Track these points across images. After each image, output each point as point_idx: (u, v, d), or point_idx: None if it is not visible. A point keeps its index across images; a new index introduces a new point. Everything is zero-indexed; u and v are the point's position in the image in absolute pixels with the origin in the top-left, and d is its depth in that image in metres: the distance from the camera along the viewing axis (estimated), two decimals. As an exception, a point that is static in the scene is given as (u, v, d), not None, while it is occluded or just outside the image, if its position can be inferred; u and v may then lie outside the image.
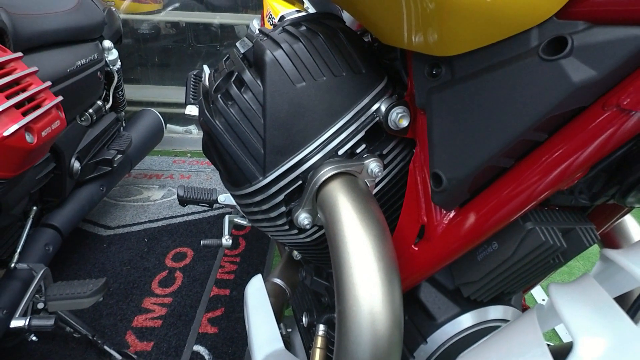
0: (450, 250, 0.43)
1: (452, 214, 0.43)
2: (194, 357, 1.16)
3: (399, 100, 0.46)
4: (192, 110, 1.09)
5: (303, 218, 0.47)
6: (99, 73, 1.39)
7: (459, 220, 0.42)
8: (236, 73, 0.48)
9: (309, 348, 0.68)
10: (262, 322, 0.61)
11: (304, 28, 0.49)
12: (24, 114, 0.77)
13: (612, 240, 0.65)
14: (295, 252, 0.80)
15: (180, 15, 2.45)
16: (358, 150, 0.48)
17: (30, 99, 0.81)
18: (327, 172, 0.44)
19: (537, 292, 1.43)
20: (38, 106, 0.83)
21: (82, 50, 1.30)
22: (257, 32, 0.54)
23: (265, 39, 0.48)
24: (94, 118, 1.38)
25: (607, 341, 0.23)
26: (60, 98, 0.90)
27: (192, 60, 2.58)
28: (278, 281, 0.81)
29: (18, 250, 1.06)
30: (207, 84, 0.53)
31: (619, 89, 0.30)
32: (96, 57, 1.37)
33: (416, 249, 0.46)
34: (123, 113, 1.69)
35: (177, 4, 2.43)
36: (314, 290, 0.72)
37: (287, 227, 0.50)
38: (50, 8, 1.20)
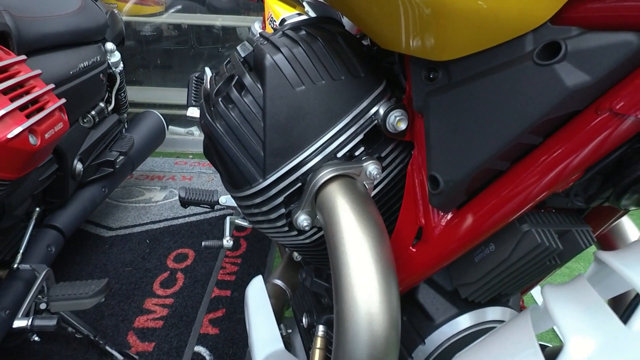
0: (448, 252, 0.43)
1: (449, 216, 0.43)
2: (195, 358, 1.17)
3: (397, 104, 0.47)
4: (194, 112, 1.10)
5: (302, 220, 0.48)
6: (101, 75, 1.40)
7: (456, 222, 0.42)
8: (237, 77, 0.48)
9: (308, 349, 0.68)
10: (262, 323, 0.62)
11: (303, 32, 0.50)
12: (28, 116, 0.78)
13: (609, 242, 0.65)
14: (295, 254, 0.80)
15: (183, 17, 2.47)
16: (357, 153, 0.48)
17: (33, 101, 0.82)
18: (326, 174, 0.45)
19: (537, 293, 1.43)
20: (41, 108, 0.83)
21: (85, 53, 1.31)
22: (258, 35, 0.54)
23: (265, 43, 0.49)
24: (97, 120, 1.39)
25: (596, 341, 0.23)
26: (63, 100, 0.90)
27: (194, 62, 2.59)
28: (278, 282, 0.81)
29: (21, 251, 1.07)
30: (208, 87, 0.54)
31: (611, 94, 0.31)
32: (99, 59, 1.38)
33: (414, 250, 0.46)
34: (125, 115, 1.70)
35: (179, 6, 2.44)
36: (314, 292, 0.73)
37: (286, 228, 0.51)
38: (53, 11, 1.21)
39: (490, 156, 0.36)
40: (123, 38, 1.69)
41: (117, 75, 1.55)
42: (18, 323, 0.92)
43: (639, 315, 0.23)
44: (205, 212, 1.79)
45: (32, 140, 0.77)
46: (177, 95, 2.44)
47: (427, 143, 0.42)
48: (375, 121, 0.48)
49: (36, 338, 1.01)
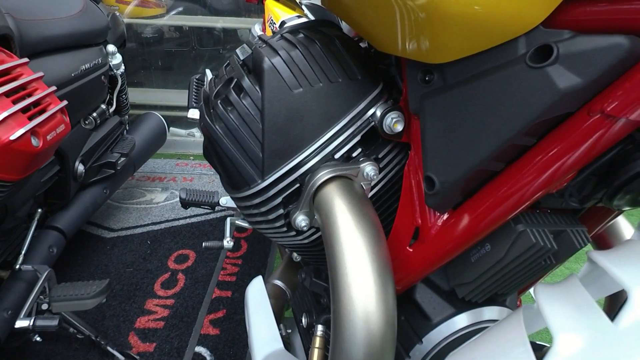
0: (444, 252, 0.44)
1: (445, 216, 0.44)
2: (195, 358, 1.17)
3: (393, 106, 0.47)
4: (195, 113, 1.10)
5: (300, 220, 0.48)
6: (103, 77, 1.41)
7: (452, 223, 0.43)
8: (235, 79, 0.49)
9: (308, 348, 0.69)
10: (262, 323, 0.62)
11: (301, 35, 0.50)
12: (30, 119, 0.78)
13: (605, 241, 0.65)
14: (295, 254, 0.81)
15: (184, 19, 2.48)
16: (354, 154, 0.49)
17: (35, 103, 0.83)
18: (323, 175, 0.46)
19: (538, 295, 1.43)
20: (43, 110, 0.84)
21: (87, 55, 1.32)
22: (257, 38, 0.55)
23: (264, 46, 0.50)
24: (98, 121, 1.40)
25: (584, 338, 0.24)
26: (65, 102, 0.91)
27: (195, 64, 2.60)
28: (278, 283, 0.82)
29: (23, 252, 1.07)
30: (208, 89, 0.54)
31: (603, 96, 0.31)
32: (100, 61, 1.39)
33: (411, 250, 0.47)
34: (127, 116, 1.71)
35: (180, 8, 2.45)
36: (313, 292, 0.73)
37: (285, 229, 0.52)
38: (55, 13, 1.21)
39: (485, 157, 0.36)
40: (124, 40, 1.70)
41: (119, 77, 1.56)
42: (20, 323, 0.93)
43: (625, 313, 0.24)
44: (206, 213, 1.80)
45: (34, 142, 0.78)
46: (178, 97, 2.45)
47: (423, 144, 0.43)
48: (373, 123, 0.48)
49: (38, 338, 1.02)
